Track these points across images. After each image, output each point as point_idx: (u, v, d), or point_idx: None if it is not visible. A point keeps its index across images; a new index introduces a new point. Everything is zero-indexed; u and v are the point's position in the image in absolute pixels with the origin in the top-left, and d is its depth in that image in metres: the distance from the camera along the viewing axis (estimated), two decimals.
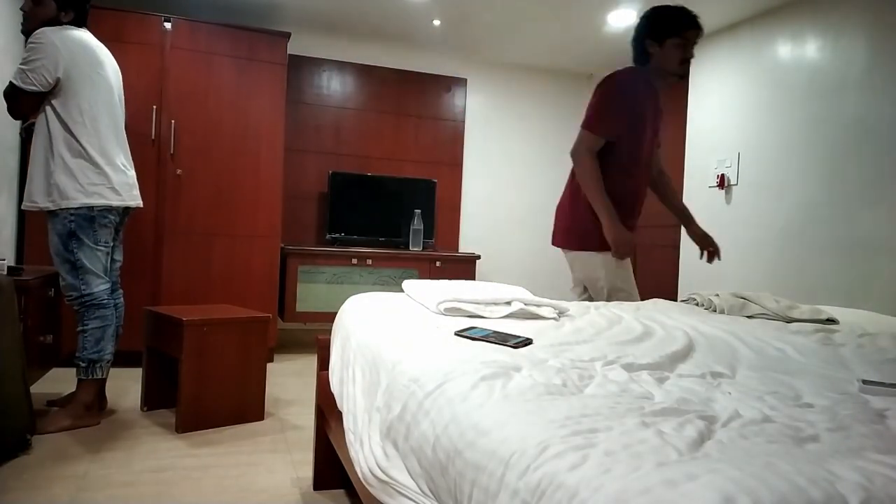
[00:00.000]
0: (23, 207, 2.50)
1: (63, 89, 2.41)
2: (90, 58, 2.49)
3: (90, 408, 2.51)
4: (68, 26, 2.47)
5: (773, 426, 0.90)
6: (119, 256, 2.71)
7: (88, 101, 2.46)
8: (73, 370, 2.53)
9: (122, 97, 2.70)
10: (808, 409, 1.02)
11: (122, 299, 2.71)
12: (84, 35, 2.52)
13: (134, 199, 2.63)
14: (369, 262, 4.15)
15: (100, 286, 2.51)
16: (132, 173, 2.65)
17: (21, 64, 2.37)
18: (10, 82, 2.38)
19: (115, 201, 2.51)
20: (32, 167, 2.45)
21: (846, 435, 0.88)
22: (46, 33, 2.38)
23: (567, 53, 4.74)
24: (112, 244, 2.60)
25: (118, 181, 2.53)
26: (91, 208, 2.45)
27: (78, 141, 2.43)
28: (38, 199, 2.43)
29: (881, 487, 0.68)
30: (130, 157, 2.68)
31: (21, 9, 2.50)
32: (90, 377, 2.50)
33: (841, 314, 2.16)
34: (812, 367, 1.36)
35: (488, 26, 4.21)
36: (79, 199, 2.42)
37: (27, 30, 2.48)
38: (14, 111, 2.48)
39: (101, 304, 2.51)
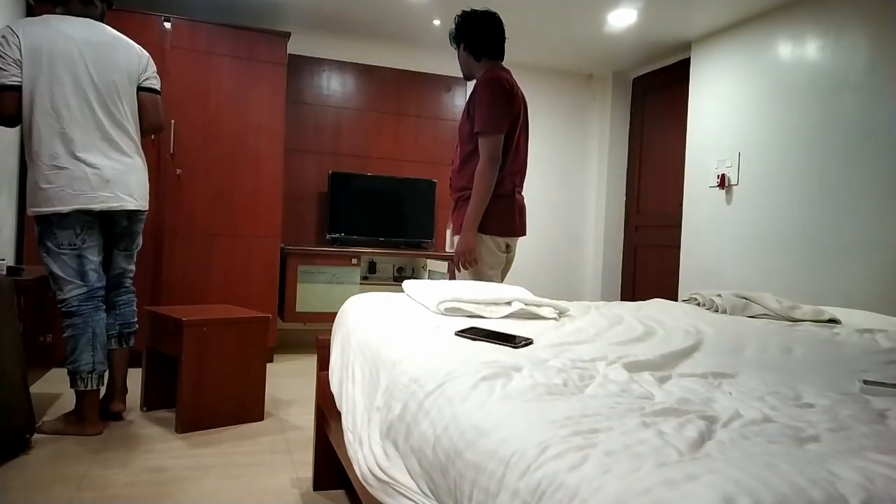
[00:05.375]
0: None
1: (24, 87, 2.26)
2: (52, 46, 2.30)
3: (83, 419, 2.39)
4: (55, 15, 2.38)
5: (773, 426, 0.90)
6: (126, 264, 2.59)
7: (46, 95, 2.28)
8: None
9: (117, 81, 2.45)
10: (808, 409, 1.02)
11: (130, 302, 2.62)
12: (58, 21, 2.36)
13: (101, 200, 2.35)
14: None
15: (71, 291, 2.37)
16: (113, 166, 2.38)
17: None
18: None
19: (68, 207, 2.29)
20: None
21: (847, 435, 0.88)
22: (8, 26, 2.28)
23: (567, 53, 4.74)
24: (81, 245, 2.37)
25: (77, 178, 2.30)
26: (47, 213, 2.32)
27: (30, 140, 2.29)
28: (28, 204, 2.35)
29: (882, 488, 0.68)
30: (122, 149, 2.42)
31: None
32: (75, 388, 2.39)
33: (842, 314, 2.16)
34: (813, 368, 1.35)
35: None
36: (38, 206, 2.31)
37: None
38: None
39: (70, 311, 2.38)
